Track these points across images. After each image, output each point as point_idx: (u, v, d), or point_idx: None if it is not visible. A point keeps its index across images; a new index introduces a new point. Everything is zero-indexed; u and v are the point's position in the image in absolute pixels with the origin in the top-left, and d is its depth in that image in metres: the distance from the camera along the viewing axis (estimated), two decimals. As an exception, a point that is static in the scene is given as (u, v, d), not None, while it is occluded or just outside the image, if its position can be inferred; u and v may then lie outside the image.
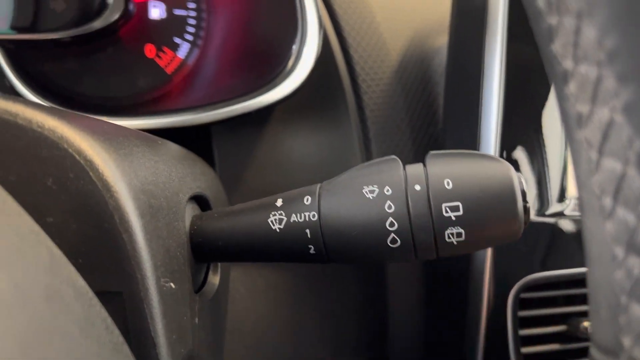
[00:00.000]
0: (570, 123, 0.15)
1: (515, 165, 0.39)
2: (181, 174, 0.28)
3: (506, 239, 0.25)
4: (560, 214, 0.40)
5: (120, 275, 0.21)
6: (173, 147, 0.30)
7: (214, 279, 0.31)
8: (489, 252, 0.38)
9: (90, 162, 0.20)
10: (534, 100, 0.41)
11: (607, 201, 0.14)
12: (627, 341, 0.13)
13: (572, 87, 0.14)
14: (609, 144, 0.13)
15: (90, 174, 0.20)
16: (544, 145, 0.40)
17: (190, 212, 0.29)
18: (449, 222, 0.25)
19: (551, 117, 0.41)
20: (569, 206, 0.40)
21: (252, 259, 0.28)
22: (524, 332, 0.40)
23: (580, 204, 0.16)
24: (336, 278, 0.44)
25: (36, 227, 0.16)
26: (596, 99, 0.13)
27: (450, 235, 0.25)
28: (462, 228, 0.25)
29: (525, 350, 0.40)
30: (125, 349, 0.18)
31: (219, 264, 0.32)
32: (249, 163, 0.44)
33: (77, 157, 0.20)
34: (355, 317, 0.44)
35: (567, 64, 0.14)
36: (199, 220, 0.28)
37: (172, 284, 0.23)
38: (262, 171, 0.44)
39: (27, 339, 0.13)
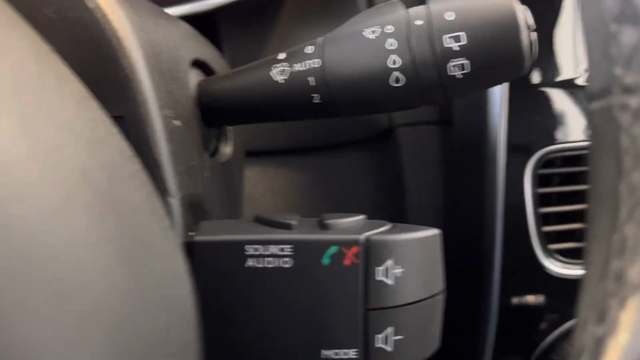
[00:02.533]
0: None
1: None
2: (184, 37, 0.28)
3: (512, 71, 0.25)
4: (573, 83, 0.39)
5: (120, 99, 0.21)
6: (178, 20, 0.31)
7: (226, 148, 0.32)
8: (503, 123, 0.38)
9: None
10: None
11: None
12: (618, 70, 0.13)
13: None
14: None
15: (88, 3, 0.21)
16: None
17: (195, 77, 0.29)
18: (452, 54, 0.24)
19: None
20: (583, 76, 0.39)
21: (258, 117, 0.28)
22: (544, 210, 0.39)
23: None
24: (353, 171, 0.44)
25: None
26: None
27: (454, 68, 0.24)
28: (466, 59, 0.24)
29: (546, 229, 0.40)
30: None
31: (231, 134, 0.32)
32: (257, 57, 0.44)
33: None
34: (374, 211, 0.44)
35: None
36: (204, 83, 0.28)
37: (176, 121, 0.23)
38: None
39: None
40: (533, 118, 0.38)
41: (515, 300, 0.42)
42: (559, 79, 0.39)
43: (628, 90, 0.13)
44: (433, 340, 0.25)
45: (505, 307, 0.42)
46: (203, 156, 0.27)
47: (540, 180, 0.39)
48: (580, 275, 0.14)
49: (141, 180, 0.15)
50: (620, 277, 0.12)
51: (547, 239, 0.40)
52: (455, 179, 0.42)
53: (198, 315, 0.17)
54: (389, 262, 0.22)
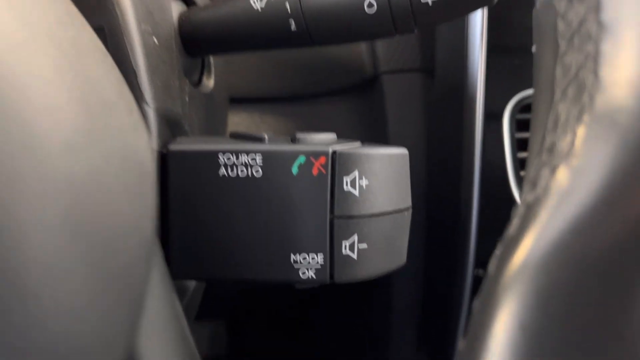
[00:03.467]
0: None
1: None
2: None
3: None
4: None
5: (100, 10, 0.22)
6: None
7: (209, 81, 0.33)
8: (482, 68, 0.38)
9: None
10: None
11: None
12: None
13: None
14: None
15: None
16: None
17: (177, 9, 0.30)
18: (423, -21, 0.25)
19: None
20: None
21: (238, 45, 0.29)
22: (523, 155, 0.40)
23: None
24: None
25: None
26: None
27: (425, -6, 0.25)
28: (436, -16, 0.25)
29: (524, 173, 0.41)
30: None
31: (214, 69, 0.33)
32: None
33: None
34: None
35: None
36: (185, 13, 0.29)
37: (155, 39, 0.24)
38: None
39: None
40: (512, 62, 0.39)
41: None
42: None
43: None
44: (399, 255, 0.26)
45: (483, 254, 0.43)
46: (183, 81, 0.28)
47: (518, 126, 0.40)
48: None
49: (105, 55, 0.16)
50: (552, 149, 0.13)
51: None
52: (437, 125, 0.43)
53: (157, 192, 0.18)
54: (355, 173, 0.23)
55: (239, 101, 0.43)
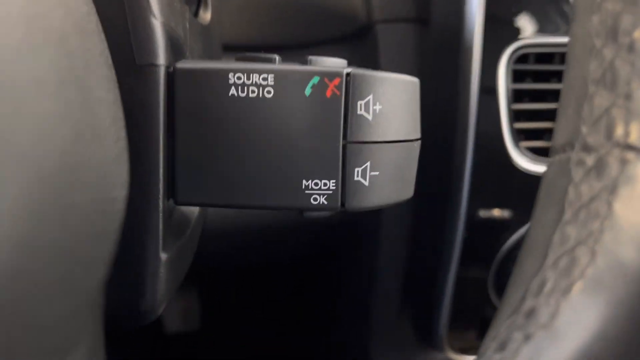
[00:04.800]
0: None
1: None
2: None
3: None
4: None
5: None
6: None
7: (206, 14, 0.31)
8: (479, 17, 0.38)
9: None
10: None
11: None
12: (584, 128, 0.14)
13: None
14: None
15: None
16: None
17: None
18: None
19: None
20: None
21: None
22: (516, 106, 0.40)
23: (574, 7, 0.16)
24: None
25: None
26: None
27: None
28: None
29: (518, 125, 0.41)
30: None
31: (209, 1, 0.32)
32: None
33: None
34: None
35: None
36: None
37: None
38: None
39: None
40: (509, 11, 0.39)
41: (482, 212, 0.43)
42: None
43: (588, 148, 0.14)
44: (407, 187, 0.25)
45: (473, 216, 0.43)
46: (184, 7, 0.27)
47: (514, 77, 0.40)
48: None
49: (110, 69, 0.15)
50: (530, 314, 0.13)
51: (517, 136, 0.41)
52: (432, 77, 0.42)
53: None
54: (370, 97, 0.23)
55: (229, 49, 0.42)
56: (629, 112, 0.13)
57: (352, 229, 0.49)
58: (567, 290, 0.13)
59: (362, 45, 0.44)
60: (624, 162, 0.13)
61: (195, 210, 0.28)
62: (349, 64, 0.24)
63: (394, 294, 0.52)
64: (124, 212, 0.16)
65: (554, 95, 0.41)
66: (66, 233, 0.12)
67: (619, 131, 0.13)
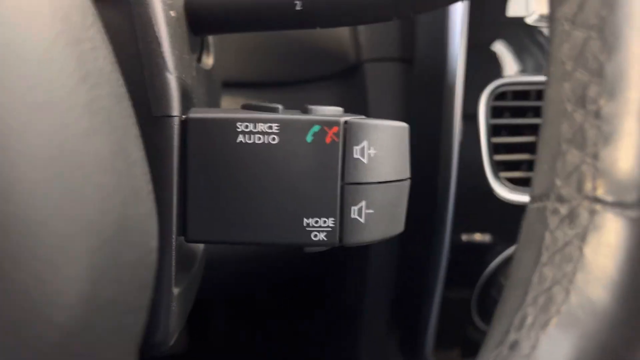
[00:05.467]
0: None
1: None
2: None
3: None
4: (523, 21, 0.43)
5: None
6: None
7: (208, 59, 0.34)
8: (461, 57, 0.41)
9: None
10: None
11: (569, 65, 0.16)
12: (558, 182, 0.16)
13: None
14: (581, 15, 0.16)
15: None
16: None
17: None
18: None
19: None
20: (532, 17, 0.43)
21: (243, 24, 0.30)
22: (496, 140, 0.43)
23: (547, 73, 0.18)
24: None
25: None
26: None
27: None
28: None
29: (497, 157, 0.44)
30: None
31: (211, 44, 0.34)
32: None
33: None
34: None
35: None
36: (192, -9, 0.30)
37: (172, 12, 0.25)
38: None
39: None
40: (488, 53, 0.42)
41: (464, 236, 0.46)
42: (511, 15, 0.43)
43: (561, 199, 0.16)
44: (399, 222, 0.28)
45: (457, 240, 0.46)
46: (191, 57, 0.29)
47: (493, 113, 0.43)
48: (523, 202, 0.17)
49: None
50: (514, 347, 0.15)
51: (497, 167, 0.44)
52: (416, 114, 0.45)
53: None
54: (365, 143, 0.25)
55: (227, 85, 0.44)
56: (596, 169, 0.15)
57: (342, 254, 0.51)
58: (545, 325, 0.15)
59: (352, 82, 0.47)
60: (592, 213, 0.15)
61: (201, 246, 0.30)
62: (341, 100, 0.26)
63: (382, 315, 0.54)
64: (157, 261, 0.18)
65: (530, 129, 0.44)
66: (121, 288, 0.13)
67: (588, 186, 0.15)
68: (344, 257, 0.51)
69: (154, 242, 0.17)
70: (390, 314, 0.54)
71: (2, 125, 0.11)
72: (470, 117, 0.42)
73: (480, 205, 0.46)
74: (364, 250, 0.49)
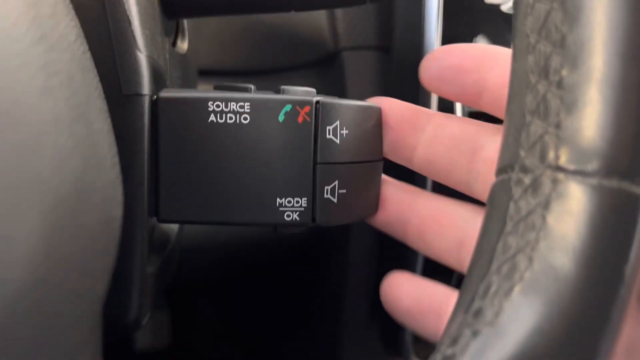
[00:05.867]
0: None
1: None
2: None
3: None
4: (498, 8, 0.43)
5: None
6: None
7: (183, 44, 0.33)
8: (438, 44, 0.41)
9: None
10: None
11: (533, 37, 0.16)
12: (522, 152, 0.16)
13: None
14: None
15: None
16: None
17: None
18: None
19: None
20: (507, 4, 0.43)
21: (217, 8, 0.30)
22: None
23: (512, 47, 0.18)
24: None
25: None
26: None
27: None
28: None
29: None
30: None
31: (186, 29, 0.34)
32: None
33: None
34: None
35: None
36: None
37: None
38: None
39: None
40: (465, 41, 0.42)
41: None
42: (488, 2, 0.43)
43: (525, 169, 0.16)
44: (372, 203, 0.28)
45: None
46: (164, 39, 0.29)
47: (470, 100, 0.43)
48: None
49: (103, 101, 0.17)
50: (477, 314, 0.15)
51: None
52: (396, 98, 0.45)
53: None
54: (337, 123, 0.25)
55: (204, 73, 0.44)
56: (558, 138, 0.15)
57: (321, 246, 0.51)
58: (508, 292, 0.15)
59: (330, 71, 0.47)
60: (555, 182, 0.15)
61: (175, 228, 0.30)
62: (319, 88, 0.26)
63: (362, 307, 0.54)
64: (120, 229, 0.18)
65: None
66: (78, 249, 0.13)
67: (551, 155, 0.16)
68: (325, 247, 0.51)
69: (117, 212, 0.17)
70: (371, 307, 0.54)
71: None
72: (447, 104, 0.43)
73: (459, 193, 0.46)
74: (344, 241, 0.49)
